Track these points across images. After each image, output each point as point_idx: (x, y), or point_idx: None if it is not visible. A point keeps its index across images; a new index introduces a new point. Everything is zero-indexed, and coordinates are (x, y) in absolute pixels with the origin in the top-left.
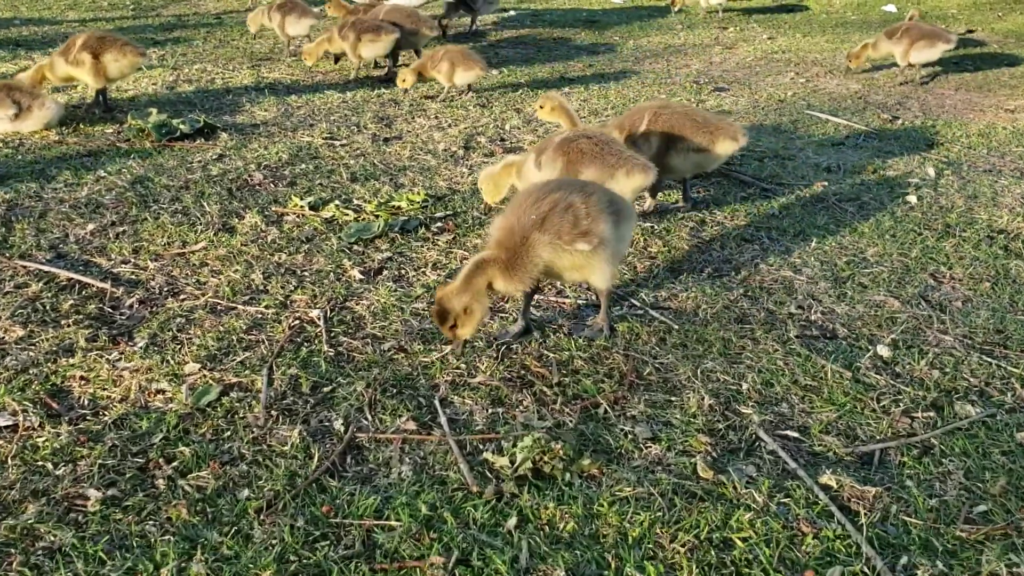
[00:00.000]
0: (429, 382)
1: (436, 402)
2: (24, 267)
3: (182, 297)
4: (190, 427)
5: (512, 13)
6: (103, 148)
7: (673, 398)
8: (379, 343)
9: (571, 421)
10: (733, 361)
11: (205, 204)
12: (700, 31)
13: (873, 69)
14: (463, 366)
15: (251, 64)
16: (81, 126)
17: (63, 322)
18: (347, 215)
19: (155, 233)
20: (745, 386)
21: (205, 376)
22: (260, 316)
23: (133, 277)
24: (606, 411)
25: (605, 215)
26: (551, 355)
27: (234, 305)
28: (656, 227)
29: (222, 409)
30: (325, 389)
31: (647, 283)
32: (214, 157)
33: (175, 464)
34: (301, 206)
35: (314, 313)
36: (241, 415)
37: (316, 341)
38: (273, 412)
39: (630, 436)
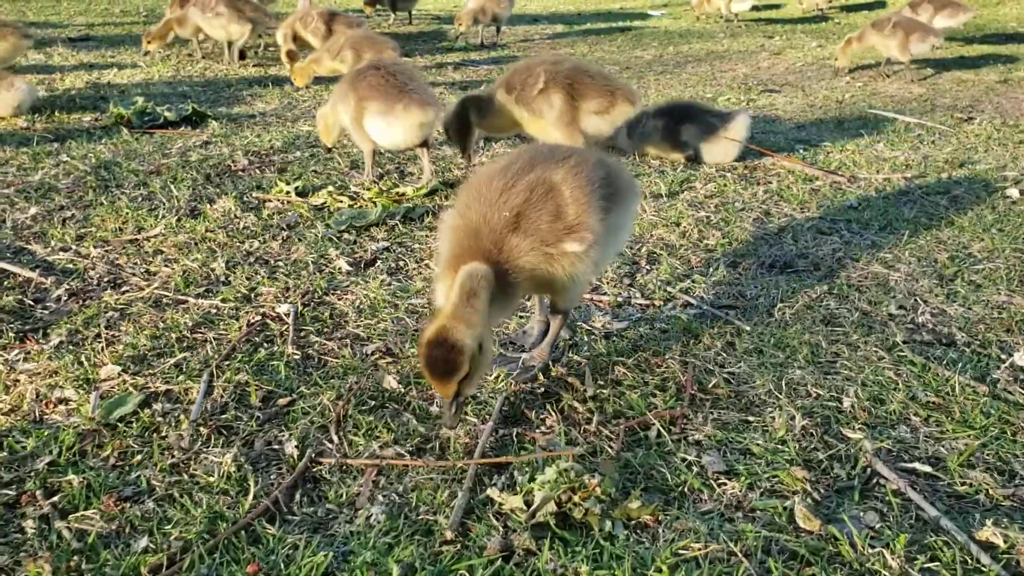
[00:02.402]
0: (421, 394)
1: (424, 421)
2: None
3: (123, 289)
4: (90, 448)
5: (542, 24)
6: (75, 134)
7: (751, 417)
8: (361, 345)
9: (612, 447)
10: (827, 371)
11: (174, 189)
12: (745, 38)
13: (936, 73)
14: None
15: (258, 62)
16: (56, 113)
17: None
18: (340, 202)
19: (107, 218)
20: (847, 402)
21: (124, 382)
22: (213, 311)
23: (70, 266)
24: (660, 434)
25: (597, 200)
26: (582, 360)
27: (184, 298)
28: (712, 217)
29: (138, 425)
30: (281, 401)
31: (704, 278)
32: (198, 144)
33: (56, 499)
34: (287, 192)
35: (282, 308)
36: (162, 433)
37: (280, 341)
38: (203, 430)
39: (695, 469)
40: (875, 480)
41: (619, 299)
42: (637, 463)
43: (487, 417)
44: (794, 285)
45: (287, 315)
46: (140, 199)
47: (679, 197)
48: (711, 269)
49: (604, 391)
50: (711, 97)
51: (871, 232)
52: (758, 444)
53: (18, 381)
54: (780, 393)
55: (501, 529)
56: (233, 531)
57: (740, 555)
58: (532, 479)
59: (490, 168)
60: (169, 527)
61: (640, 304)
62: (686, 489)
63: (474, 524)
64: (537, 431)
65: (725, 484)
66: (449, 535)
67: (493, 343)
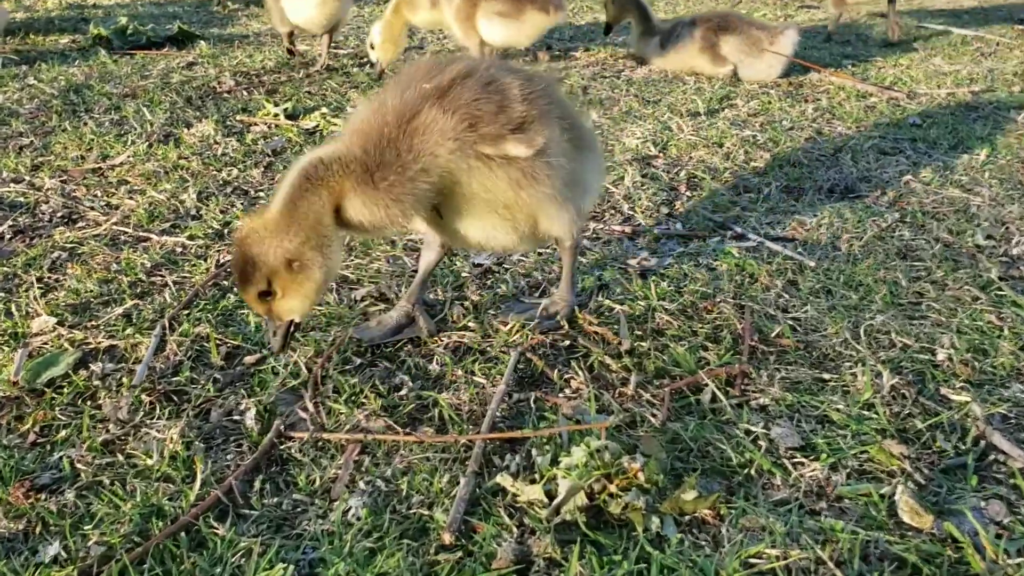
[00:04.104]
0: (419, 349)
1: (421, 381)
2: None
3: (79, 225)
4: (5, 421)
5: None
6: (47, 57)
7: (827, 375)
8: (350, 288)
9: (655, 416)
10: (911, 315)
11: (148, 113)
12: None
13: None
14: (474, 323)
15: None
16: (30, 36)
17: None
18: (336, 125)
19: (69, 145)
20: (943, 355)
21: (60, 337)
22: (178, 250)
23: (20, 200)
24: (715, 398)
25: (550, 116)
26: (616, 307)
27: (146, 235)
28: (758, 137)
29: (70, 390)
30: (248, 360)
31: (755, 205)
32: (182, 65)
33: None
34: (275, 114)
35: None
36: (98, 400)
37: None
38: (149, 397)
39: (763, 444)
40: (992, 456)
41: (656, 230)
42: (688, 437)
43: (497, 378)
44: (859, 213)
45: None
46: (109, 124)
47: (719, 115)
48: (761, 195)
49: (643, 344)
50: (745, 13)
51: (940, 152)
52: (838, 410)
53: None
54: (859, 343)
55: (515, 530)
56: (169, 533)
57: (831, 564)
58: (555, 461)
59: (422, 62)
60: (89, 527)
61: (681, 236)
62: (753, 471)
63: (480, 522)
64: (560, 395)
65: (802, 464)
66: (447, 538)
67: (340, 259)
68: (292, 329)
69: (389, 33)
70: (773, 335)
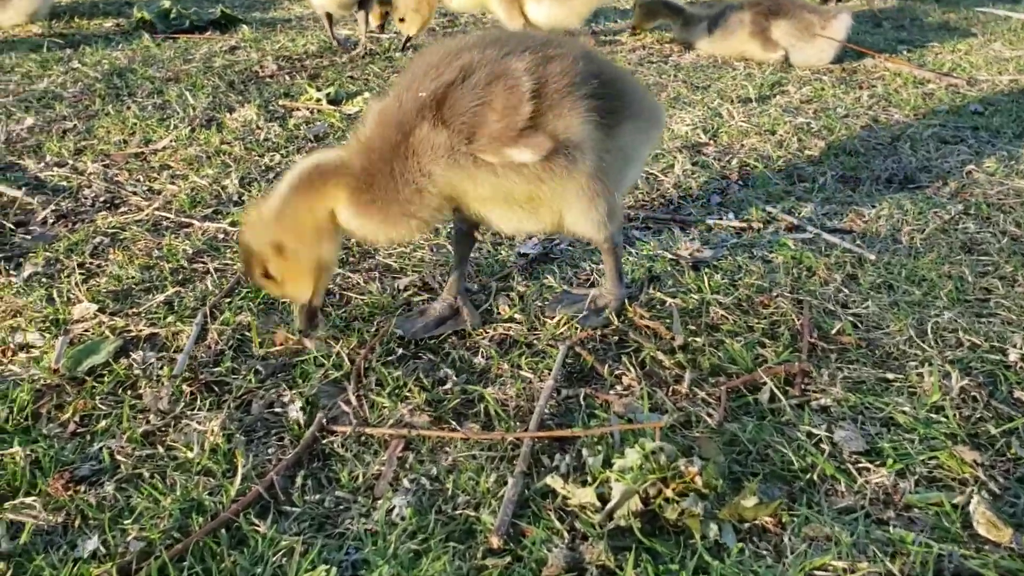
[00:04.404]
0: (463, 341)
1: (467, 374)
2: None
3: (121, 210)
4: (46, 410)
5: None
6: (91, 40)
7: (891, 375)
8: (393, 278)
9: (712, 415)
10: (979, 312)
11: (191, 97)
12: None
13: None
14: (520, 315)
15: None
16: (75, 19)
17: None
18: None
19: (112, 129)
20: (1015, 355)
21: (101, 324)
22: (220, 236)
23: (63, 184)
24: (774, 397)
25: (577, 100)
26: (668, 299)
27: (188, 221)
28: (812, 124)
29: (111, 379)
30: (290, 348)
31: (810, 195)
32: (224, 48)
33: None
34: (317, 99)
35: None
36: (139, 390)
37: None
38: (190, 387)
39: (826, 447)
40: None
41: (708, 220)
42: (746, 439)
43: (545, 373)
44: (920, 204)
45: None
46: (152, 108)
47: (771, 102)
48: (817, 185)
49: (697, 339)
50: None
51: (1004, 141)
52: (905, 412)
53: None
54: (924, 342)
55: (566, 535)
56: (209, 530)
57: None
58: (608, 463)
59: (440, 45)
60: (128, 522)
61: (734, 227)
62: (815, 477)
63: (529, 526)
64: (611, 392)
65: (867, 469)
66: (495, 542)
67: (332, 253)
68: (312, 309)
69: (418, 6)
70: (833, 332)
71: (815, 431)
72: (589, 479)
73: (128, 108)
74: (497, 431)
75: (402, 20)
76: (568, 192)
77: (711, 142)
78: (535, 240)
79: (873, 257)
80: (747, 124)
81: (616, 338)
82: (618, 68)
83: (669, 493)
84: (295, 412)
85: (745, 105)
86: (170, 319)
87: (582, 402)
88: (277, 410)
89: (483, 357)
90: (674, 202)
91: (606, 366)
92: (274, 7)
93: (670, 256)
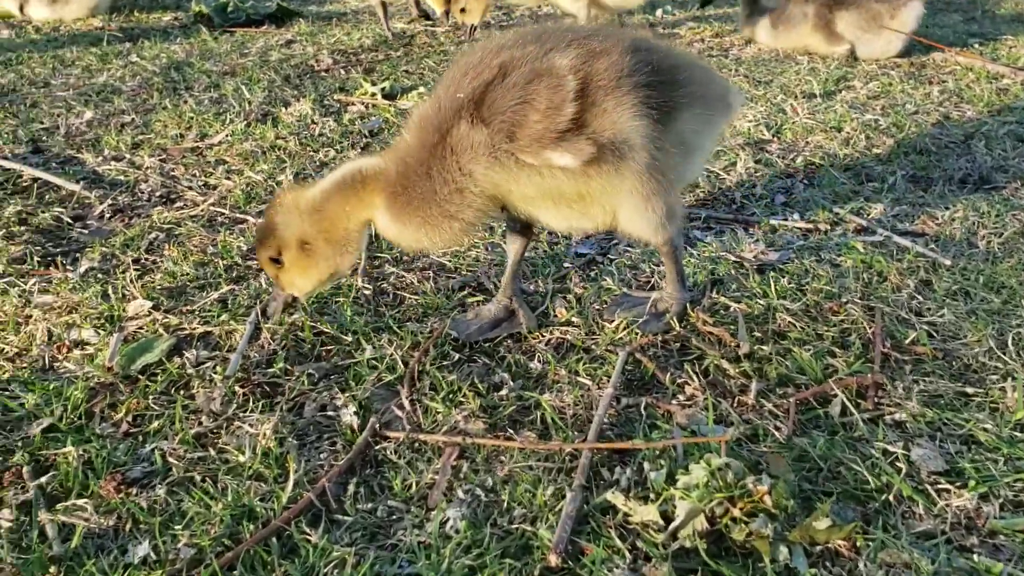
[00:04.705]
0: (519, 344)
1: (524, 381)
2: None
3: (177, 205)
4: (99, 408)
5: None
6: (150, 34)
7: (971, 388)
8: (447, 277)
9: (780, 428)
10: None
11: (247, 91)
12: None
13: None
14: (578, 319)
15: None
16: (135, 13)
17: None
18: None
19: (169, 123)
20: None
21: (155, 321)
22: None
23: (120, 178)
24: (846, 411)
25: (625, 94)
26: (732, 304)
27: (243, 217)
28: (880, 121)
29: (164, 378)
30: (344, 349)
31: (879, 195)
32: (280, 42)
33: (45, 480)
34: (372, 94)
35: None
36: (192, 390)
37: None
38: (242, 389)
39: (901, 466)
40: None
41: (772, 221)
42: (817, 455)
43: (604, 380)
44: (997, 206)
45: None
46: (208, 102)
47: (836, 97)
48: (886, 185)
49: (763, 347)
50: None
51: None
52: (986, 430)
53: (30, 317)
54: (1005, 354)
55: (628, 554)
56: (261, 538)
57: None
58: (671, 478)
59: (483, 44)
60: (179, 527)
61: (800, 228)
62: (892, 498)
63: (589, 544)
64: (673, 402)
65: (948, 491)
66: (553, 560)
67: (352, 261)
68: (290, 301)
69: None
70: (907, 342)
71: (890, 448)
72: (652, 495)
73: (185, 102)
74: (555, 441)
75: (463, 11)
76: (620, 190)
77: (775, 139)
78: (592, 239)
79: (948, 262)
80: (812, 120)
81: (678, 344)
82: (677, 54)
83: (736, 513)
84: (348, 416)
85: (809, 101)
86: (224, 317)
87: (643, 412)
88: (330, 413)
89: (539, 362)
90: (737, 201)
91: (668, 374)
92: (329, 0)
93: (734, 258)
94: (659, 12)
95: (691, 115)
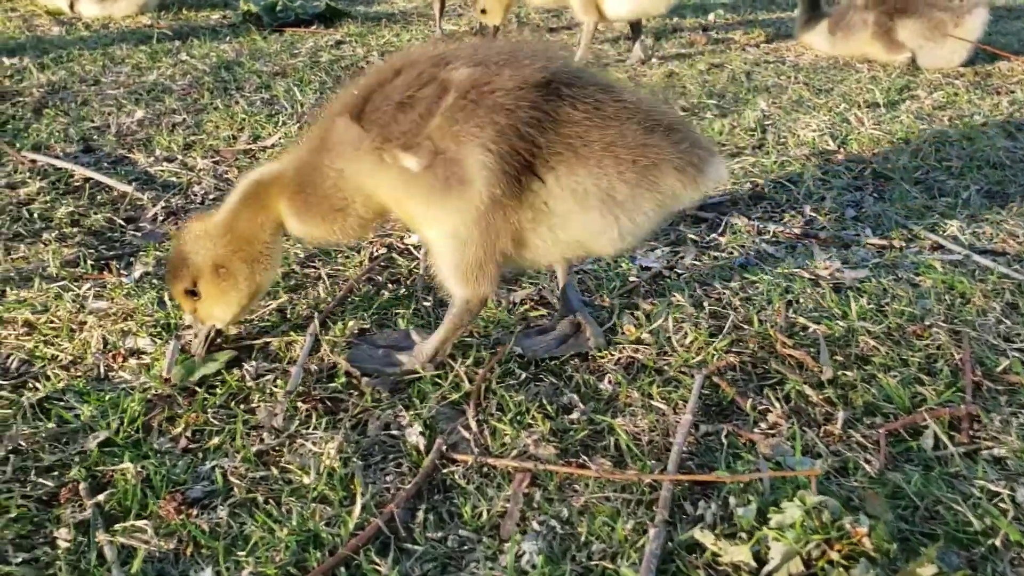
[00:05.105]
0: (586, 363)
1: (595, 403)
2: (32, 162)
3: None
4: (157, 422)
5: None
6: (200, 32)
7: None
8: (508, 290)
9: (870, 462)
10: None
11: (298, 92)
12: None
13: None
14: (648, 336)
15: None
16: (183, 11)
17: (44, 236)
18: None
19: (220, 124)
20: None
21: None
22: None
23: (173, 179)
24: (939, 443)
25: (489, 128)
26: (812, 325)
27: None
28: (950, 133)
29: (223, 391)
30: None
31: (954, 212)
32: (330, 43)
33: (103, 497)
34: None
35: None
36: (252, 403)
37: (407, 282)
38: (305, 405)
39: (1007, 507)
40: None
41: (843, 236)
42: (912, 491)
43: (680, 405)
44: None
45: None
46: (260, 103)
47: (900, 107)
48: (960, 200)
49: (847, 373)
50: None
51: None
52: None
53: (84, 323)
54: None
55: None
56: (328, 568)
57: None
58: (762, 516)
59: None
60: (243, 553)
61: (874, 244)
62: (999, 543)
63: None
64: (755, 430)
65: None
66: None
67: (272, 277)
68: (212, 335)
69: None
70: (999, 370)
71: (992, 487)
72: (741, 533)
73: (236, 103)
74: (631, 470)
75: (484, 12)
76: (441, 228)
77: (840, 150)
78: (658, 252)
79: None
80: (878, 131)
81: (757, 368)
82: (620, 97)
83: (834, 556)
84: (414, 436)
85: (873, 110)
86: (283, 327)
87: (723, 440)
88: (394, 432)
89: (610, 383)
90: (805, 214)
91: (748, 400)
92: (376, 0)
93: (808, 276)
94: (711, 16)
95: (594, 169)
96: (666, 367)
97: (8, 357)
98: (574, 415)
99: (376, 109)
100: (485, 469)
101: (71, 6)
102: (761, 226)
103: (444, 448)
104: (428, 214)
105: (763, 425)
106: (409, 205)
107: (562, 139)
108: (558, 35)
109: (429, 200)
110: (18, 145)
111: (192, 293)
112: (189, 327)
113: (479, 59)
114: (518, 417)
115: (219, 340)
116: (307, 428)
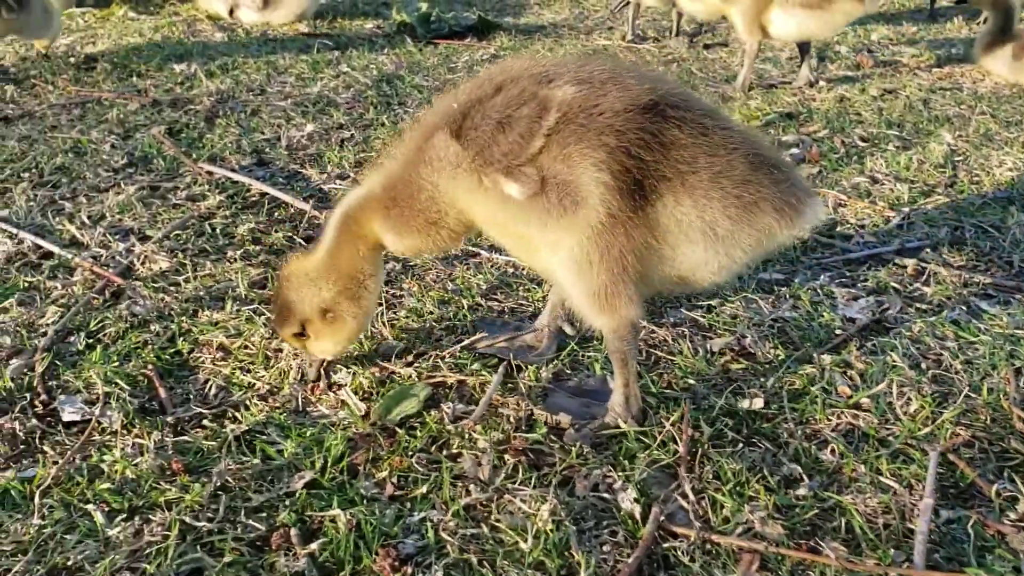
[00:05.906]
0: (800, 427)
1: (819, 476)
2: (209, 173)
3: None
4: (362, 464)
5: None
6: (357, 42)
7: None
8: (704, 338)
9: None
10: None
11: None
12: None
13: None
14: (867, 401)
15: None
16: (338, 19)
17: (229, 254)
18: None
19: (388, 141)
20: None
21: (407, 365)
22: (510, 270)
23: None
24: None
25: (596, 148)
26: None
27: (475, 251)
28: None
29: (423, 433)
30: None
31: None
32: (485, 57)
33: (315, 547)
34: None
35: None
36: (453, 448)
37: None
38: (512, 458)
39: None
40: None
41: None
42: None
43: (914, 484)
44: None
45: None
46: None
47: None
48: None
49: None
50: None
51: None
52: None
53: (280, 351)
54: None
55: None
56: None
57: None
58: None
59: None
60: None
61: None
62: None
63: None
64: (1005, 521)
65: None
66: None
67: (375, 304)
68: (325, 364)
69: None
70: None
71: None
72: None
73: (401, 119)
74: (870, 559)
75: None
76: (560, 253)
77: None
78: (861, 303)
79: None
80: None
81: (993, 445)
82: (725, 129)
83: None
84: (627, 502)
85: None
86: (475, 366)
87: (970, 531)
88: (605, 496)
89: (832, 454)
90: (1015, 265)
91: (992, 485)
92: (524, 12)
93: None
94: (874, 36)
95: (676, 201)
96: (891, 438)
97: (206, 383)
98: (801, 491)
99: (475, 127)
100: (708, 546)
101: (231, 12)
102: (967, 277)
103: (662, 518)
104: (545, 238)
105: (1012, 515)
106: (517, 230)
107: (670, 163)
108: (714, 52)
109: (545, 224)
110: (194, 156)
111: (300, 334)
112: (383, 359)
113: (583, 77)
114: (737, 488)
115: (415, 380)
116: (514, 483)
